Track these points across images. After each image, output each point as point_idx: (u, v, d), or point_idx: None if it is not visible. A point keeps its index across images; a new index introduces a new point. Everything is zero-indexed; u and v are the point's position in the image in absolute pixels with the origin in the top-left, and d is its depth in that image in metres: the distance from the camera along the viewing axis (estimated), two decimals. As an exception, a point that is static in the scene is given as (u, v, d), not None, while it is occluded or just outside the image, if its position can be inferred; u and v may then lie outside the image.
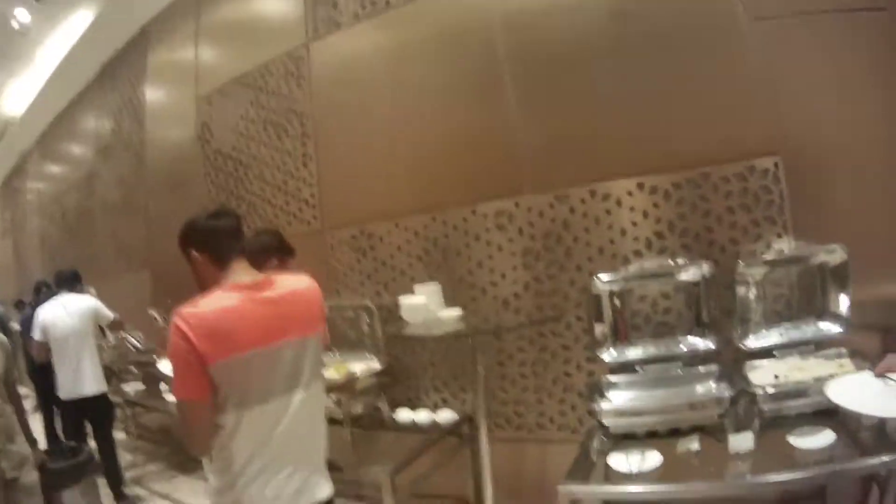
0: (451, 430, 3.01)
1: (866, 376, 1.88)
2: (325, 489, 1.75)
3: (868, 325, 2.45)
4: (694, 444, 2.24)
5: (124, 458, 4.07)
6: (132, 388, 4.59)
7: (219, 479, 1.64)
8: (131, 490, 3.93)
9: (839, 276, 2.38)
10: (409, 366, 3.28)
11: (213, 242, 1.67)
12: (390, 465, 2.56)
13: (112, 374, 4.53)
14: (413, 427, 3.00)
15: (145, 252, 4.95)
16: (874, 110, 2.45)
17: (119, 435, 4.25)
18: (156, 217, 4.82)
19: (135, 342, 4.50)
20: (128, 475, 4.13)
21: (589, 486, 2.22)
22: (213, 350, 1.51)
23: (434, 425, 2.98)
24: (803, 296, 2.53)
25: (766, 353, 2.48)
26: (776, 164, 2.51)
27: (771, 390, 2.15)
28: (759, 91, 2.53)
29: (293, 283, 1.74)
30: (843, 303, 2.38)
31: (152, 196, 4.82)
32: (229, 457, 1.60)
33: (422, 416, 3.03)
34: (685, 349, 2.61)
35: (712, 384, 2.54)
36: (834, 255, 2.36)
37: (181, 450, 1.80)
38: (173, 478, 4.21)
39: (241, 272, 1.67)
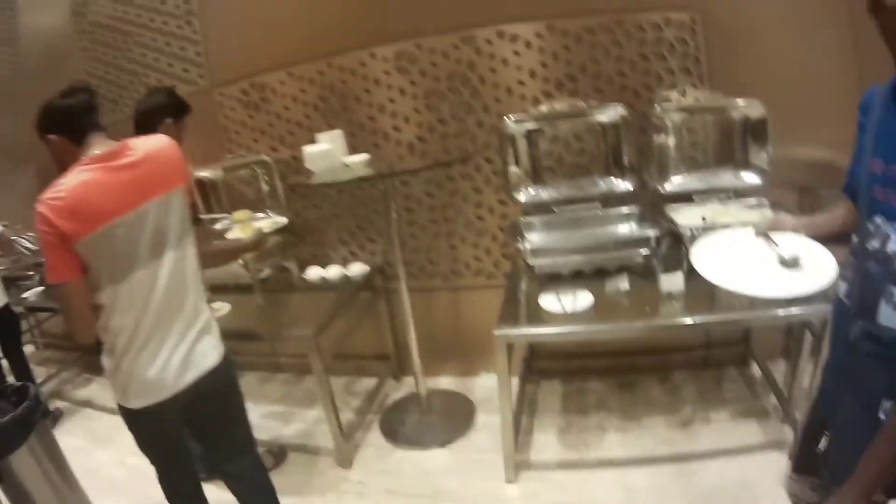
0: (365, 284, 2.90)
1: (747, 234, 1.67)
2: (213, 356, 1.74)
3: (785, 182, 2.54)
4: (623, 283, 2.21)
5: (37, 372, 3.84)
6: (32, 293, 4.31)
7: (108, 361, 1.65)
8: (52, 404, 3.73)
9: (759, 131, 2.43)
10: (312, 221, 3.12)
11: (68, 122, 1.61)
12: (312, 328, 2.45)
13: (10, 282, 4.21)
14: (325, 285, 2.88)
15: (28, 146, 4.64)
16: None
17: (27, 348, 4.00)
18: (36, 107, 4.42)
19: (26, 244, 4.18)
20: (44, 389, 3.94)
21: (527, 329, 2.19)
22: (76, 228, 1.49)
23: (346, 281, 2.86)
24: (720, 146, 2.57)
25: (684, 197, 2.52)
26: (693, 19, 2.50)
27: (699, 232, 2.16)
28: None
29: (150, 144, 1.66)
30: (763, 157, 2.44)
31: (30, 84, 4.44)
32: (112, 337, 1.61)
33: (332, 272, 2.90)
34: (602, 190, 2.56)
35: (634, 224, 2.51)
36: (754, 109, 2.41)
37: (90, 350, 1.69)
38: (89, 381, 4.03)
39: (98, 145, 1.59)
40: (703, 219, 2.31)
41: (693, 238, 2.11)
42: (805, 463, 1.71)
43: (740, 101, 2.41)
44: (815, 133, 2.43)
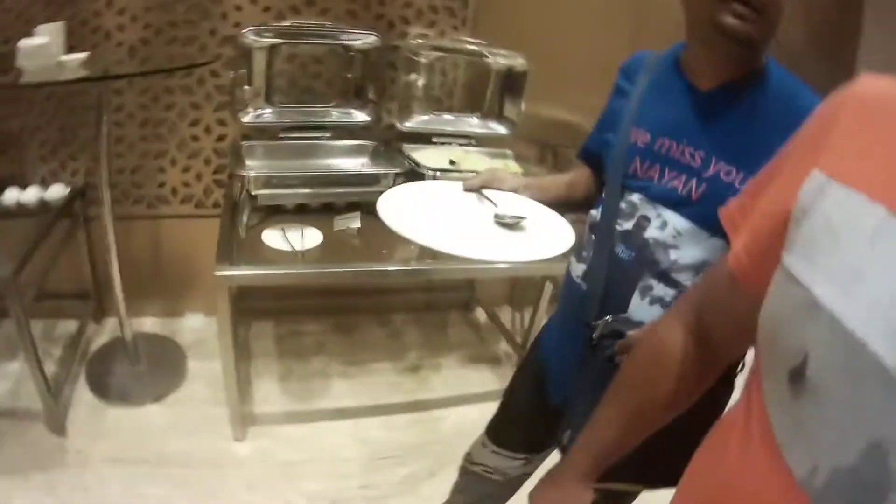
0: (64, 209, 2.46)
1: (455, 187, 1.40)
2: None
3: (526, 136, 2.56)
4: (355, 222, 2.05)
5: None
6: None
7: None
8: None
9: (516, 84, 2.42)
10: (10, 132, 2.59)
11: None
12: (10, 265, 1.97)
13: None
14: (20, 210, 2.39)
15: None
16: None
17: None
18: None
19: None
20: None
21: (252, 270, 1.94)
22: None
23: (44, 206, 2.40)
24: (470, 92, 2.52)
25: (424, 138, 2.45)
26: None
27: (442, 175, 2.12)
28: None
29: None
30: (515, 110, 2.44)
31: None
32: None
33: (30, 194, 2.42)
34: (337, 120, 2.37)
35: (369, 160, 2.36)
36: (516, 61, 2.39)
37: None
38: None
39: None
40: (452, 161, 2.25)
41: (433, 177, 2.04)
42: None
43: (502, 52, 2.36)
44: (566, 94, 2.45)
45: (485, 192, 1.37)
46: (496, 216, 1.30)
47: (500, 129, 2.45)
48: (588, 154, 1.34)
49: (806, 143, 0.65)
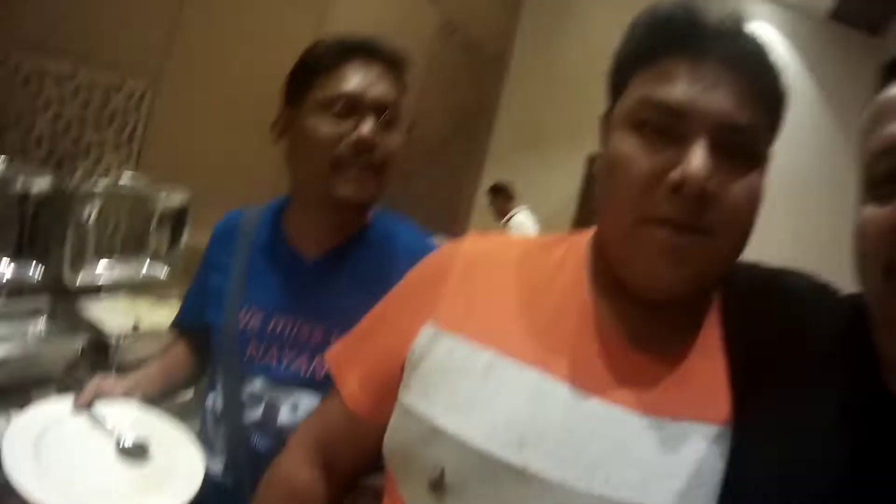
0: None
1: (65, 409, 1.05)
2: None
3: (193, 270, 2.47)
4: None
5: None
6: None
7: None
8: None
9: (177, 219, 2.32)
10: None
11: None
12: None
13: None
14: None
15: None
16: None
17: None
18: None
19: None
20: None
21: None
22: None
23: None
24: (136, 231, 2.36)
25: (97, 290, 2.21)
26: (146, 90, 2.33)
27: (131, 339, 1.94)
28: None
29: None
30: (176, 246, 2.34)
31: None
32: None
33: None
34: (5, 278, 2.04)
35: (43, 326, 2.03)
36: (175, 197, 2.29)
37: None
38: None
39: None
40: (136, 326, 2.06)
41: (125, 348, 1.85)
42: None
43: (164, 188, 2.28)
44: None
45: (98, 408, 1.06)
46: (118, 447, 1.00)
47: (161, 270, 2.33)
48: (185, 327, 1.24)
49: (416, 295, 0.77)
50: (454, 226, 5.33)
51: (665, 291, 0.65)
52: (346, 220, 1.09)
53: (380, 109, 1.03)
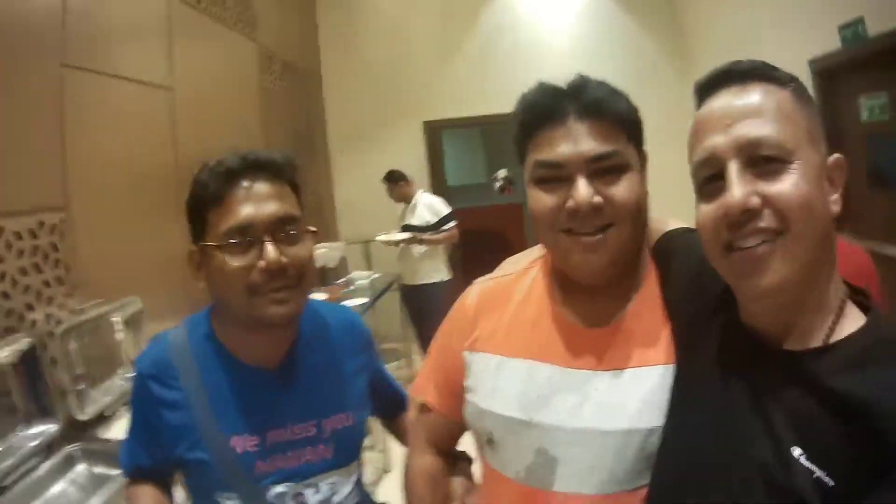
0: None
1: None
2: None
3: None
4: None
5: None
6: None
7: None
8: None
9: (134, 326, 2.42)
10: None
11: None
12: None
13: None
14: None
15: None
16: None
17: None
18: None
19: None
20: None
21: None
22: None
23: None
24: (105, 350, 2.38)
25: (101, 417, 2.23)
26: (62, 220, 2.30)
27: None
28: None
29: None
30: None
31: None
32: None
33: None
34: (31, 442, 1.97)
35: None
36: (128, 308, 2.39)
37: None
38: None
39: None
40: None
41: None
42: None
43: (115, 304, 2.35)
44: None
45: None
46: None
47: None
48: (145, 471, 1.21)
49: (453, 332, 1.14)
50: (332, 237, 5.54)
51: (595, 275, 0.96)
52: (288, 331, 1.14)
53: (278, 227, 1.05)
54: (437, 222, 4.92)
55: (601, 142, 0.92)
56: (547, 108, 0.96)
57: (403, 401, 1.34)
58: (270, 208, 1.04)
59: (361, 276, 5.02)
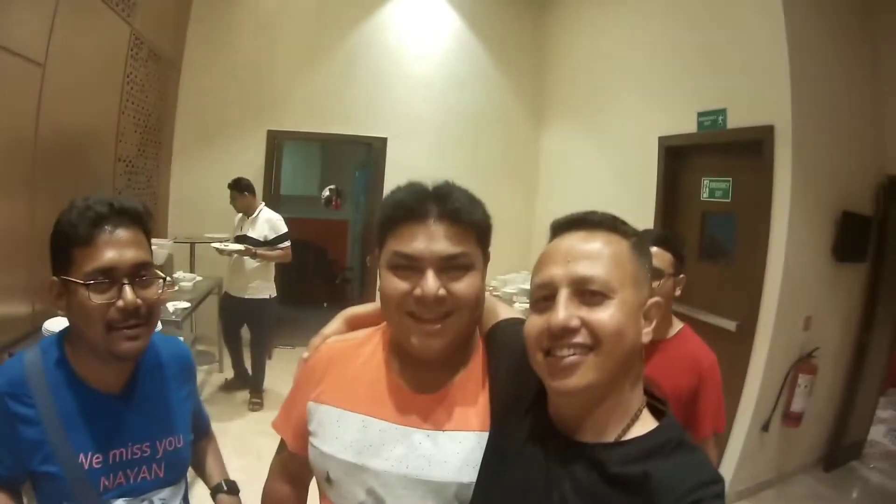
0: None
1: None
2: None
3: None
4: None
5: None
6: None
7: None
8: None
9: None
10: None
11: None
12: None
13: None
14: None
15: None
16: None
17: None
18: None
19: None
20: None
21: None
22: None
23: None
24: None
25: None
26: None
27: None
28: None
29: None
30: None
31: None
32: None
33: None
34: None
35: None
36: None
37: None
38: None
39: None
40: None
41: None
42: None
43: None
44: None
45: None
46: None
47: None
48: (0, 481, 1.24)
49: (302, 384, 1.27)
50: (161, 233, 5.32)
51: (432, 355, 1.11)
52: (130, 362, 1.27)
53: (135, 272, 1.18)
54: (274, 239, 4.89)
55: (454, 243, 1.07)
56: (412, 206, 1.09)
57: (207, 428, 1.57)
58: (130, 254, 1.17)
59: (186, 278, 4.91)
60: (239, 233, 4.98)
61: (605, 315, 0.91)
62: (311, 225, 8.66)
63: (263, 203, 5.13)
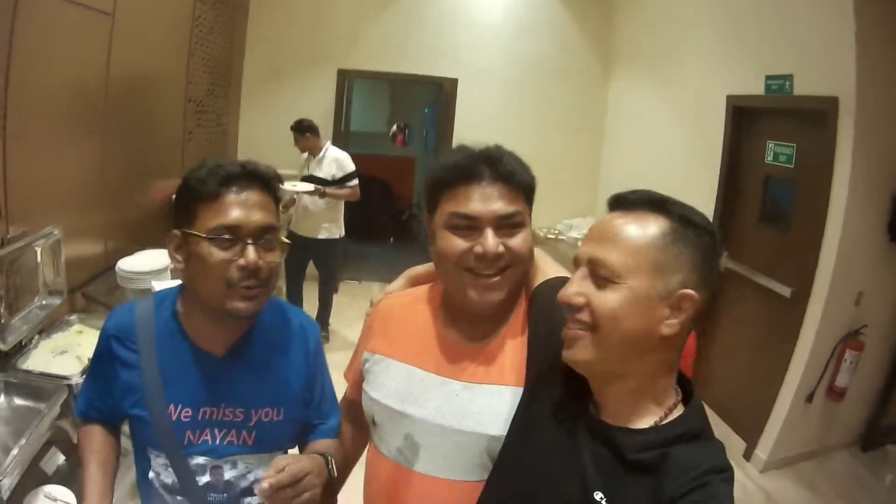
0: None
1: None
2: None
3: None
4: None
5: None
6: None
7: None
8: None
9: (54, 255, 2.49)
10: None
11: None
12: None
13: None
14: None
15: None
16: None
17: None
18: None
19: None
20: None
21: None
22: None
23: None
24: (26, 280, 2.41)
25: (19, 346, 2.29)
26: None
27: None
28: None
29: None
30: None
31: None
32: None
33: None
34: None
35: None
36: (49, 238, 2.44)
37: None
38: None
39: None
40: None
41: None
42: None
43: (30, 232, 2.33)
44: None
45: None
46: None
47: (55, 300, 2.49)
48: (95, 417, 1.38)
49: (363, 337, 1.39)
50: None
51: (489, 308, 1.19)
52: (242, 324, 1.28)
53: (259, 234, 1.18)
54: (342, 178, 4.88)
55: (508, 202, 1.14)
56: (468, 168, 1.15)
57: (330, 430, 1.46)
58: (257, 216, 1.18)
59: None
60: (306, 172, 4.98)
61: (605, 298, 0.92)
62: (378, 161, 8.80)
63: (329, 142, 5.13)
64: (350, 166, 4.93)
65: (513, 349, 1.21)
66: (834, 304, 3.49)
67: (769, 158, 4.03)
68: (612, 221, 0.97)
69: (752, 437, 3.94)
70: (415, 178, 9.70)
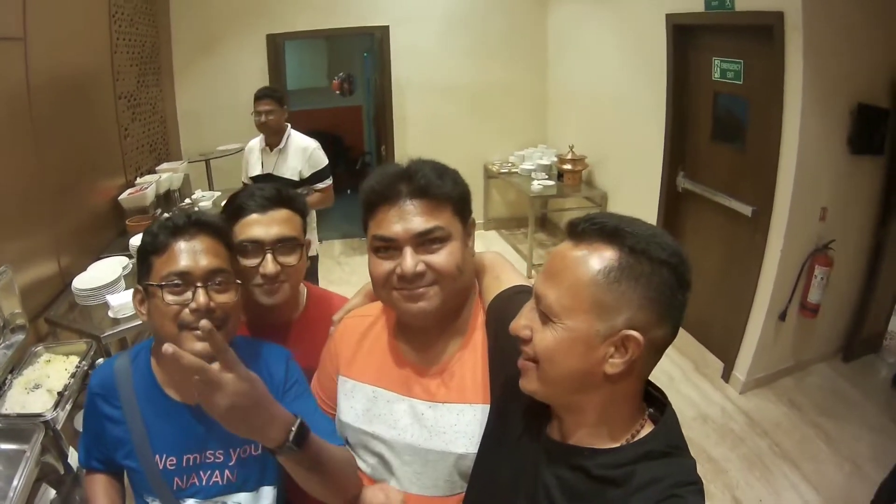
0: None
1: None
2: None
3: None
4: None
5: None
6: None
7: None
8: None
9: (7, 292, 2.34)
10: None
11: None
12: None
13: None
14: None
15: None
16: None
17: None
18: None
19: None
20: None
21: None
22: None
23: None
24: None
25: None
26: None
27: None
28: None
29: None
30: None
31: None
32: None
33: None
34: None
35: None
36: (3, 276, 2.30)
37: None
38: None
39: None
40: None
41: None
42: None
43: None
44: None
45: None
46: None
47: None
48: (99, 464, 1.44)
49: (326, 358, 1.40)
50: (174, 155, 5.41)
51: (427, 319, 1.18)
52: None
53: (209, 277, 1.24)
54: (311, 176, 3.78)
55: (426, 219, 1.13)
56: (382, 190, 1.17)
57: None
58: (204, 261, 1.25)
59: (205, 197, 4.71)
60: (260, 171, 3.83)
61: (544, 336, 0.91)
62: (324, 115, 8.60)
63: (290, 125, 3.92)
64: (322, 160, 3.83)
65: (473, 365, 1.22)
66: (797, 221, 3.51)
67: (716, 75, 4.00)
68: (562, 254, 0.93)
69: (729, 358, 4.01)
70: (363, 125, 9.50)
